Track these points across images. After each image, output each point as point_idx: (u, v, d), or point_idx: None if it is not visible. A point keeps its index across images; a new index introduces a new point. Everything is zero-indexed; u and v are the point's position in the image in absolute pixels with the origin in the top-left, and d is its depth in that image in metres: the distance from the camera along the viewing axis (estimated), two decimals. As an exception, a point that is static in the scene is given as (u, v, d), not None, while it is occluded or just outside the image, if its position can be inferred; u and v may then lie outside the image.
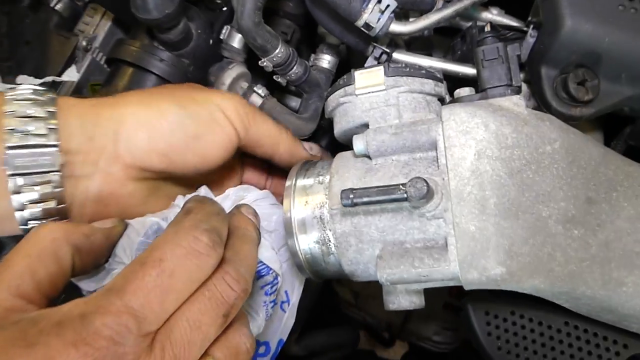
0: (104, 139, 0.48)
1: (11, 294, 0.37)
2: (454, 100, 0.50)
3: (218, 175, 0.61)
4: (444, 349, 0.76)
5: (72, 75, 0.58)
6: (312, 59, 0.67)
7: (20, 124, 0.43)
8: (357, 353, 0.88)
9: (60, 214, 0.46)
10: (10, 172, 0.43)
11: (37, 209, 0.44)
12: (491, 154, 0.44)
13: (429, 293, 0.61)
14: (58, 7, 0.69)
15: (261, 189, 0.65)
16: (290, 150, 0.59)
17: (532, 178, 0.44)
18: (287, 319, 0.58)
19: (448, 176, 0.45)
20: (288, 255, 0.57)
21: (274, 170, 0.65)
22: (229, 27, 0.62)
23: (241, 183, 0.64)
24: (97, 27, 0.70)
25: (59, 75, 0.63)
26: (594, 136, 0.57)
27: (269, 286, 0.54)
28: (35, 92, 0.45)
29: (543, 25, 0.49)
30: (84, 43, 0.68)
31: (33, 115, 0.44)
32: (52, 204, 0.45)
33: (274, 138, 0.57)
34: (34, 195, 0.44)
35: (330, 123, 0.61)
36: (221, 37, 0.64)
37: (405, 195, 0.43)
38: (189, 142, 0.51)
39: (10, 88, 0.46)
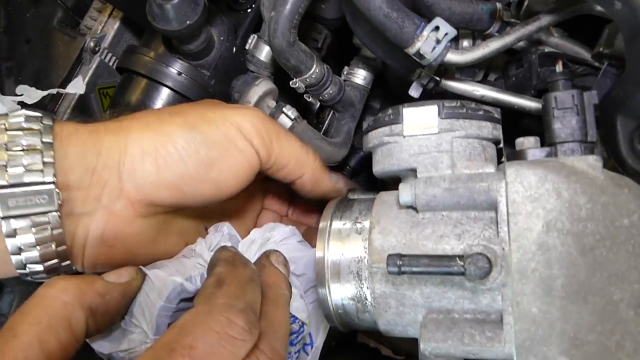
0: (107, 172, 0.42)
1: None
2: (515, 152, 0.44)
3: (236, 203, 0.55)
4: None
5: (78, 86, 0.51)
6: (345, 73, 0.60)
7: (14, 159, 0.38)
8: (361, 349, 0.85)
9: (59, 257, 0.40)
10: (3, 215, 0.37)
11: (33, 252, 0.39)
12: (562, 226, 0.39)
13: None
14: (61, -3, 0.62)
15: (283, 216, 0.60)
16: (314, 179, 0.52)
17: (605, 256, 0.39)
18: None
19: (510, 247, 0.39)
20: (314, 298, 0.52)
21: (296, 196, 0.59)
22: (255, 36, 0.55)
23: (262, 209, 0.59)
24: (105, 24, 0.62)
25: (65, 81, 0.56)
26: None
27: (295, 335, 0.50)
28: (28, 119, 0.39)
29: (627, 71, 0.42)
30: (92, 44, 0.60)
31: (27, 147, 0.38)
32: (50, 247, 0.39)
33: (300, 163, 0.50)
34: (30, 239, 0.38)
35: (360, 143, 0.55)
36: (246, 47, 0.56)
37: (462, 271, 0.38)
38: (202, 171, 0.44)
39: (1, 115, 0.40)
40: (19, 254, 0.39)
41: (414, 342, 0.68)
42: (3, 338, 0.34)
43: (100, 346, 0.40)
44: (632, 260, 0.39)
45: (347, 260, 0.46)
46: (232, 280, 0.38)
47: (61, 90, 0.53)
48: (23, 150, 0.38)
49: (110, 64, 0.63)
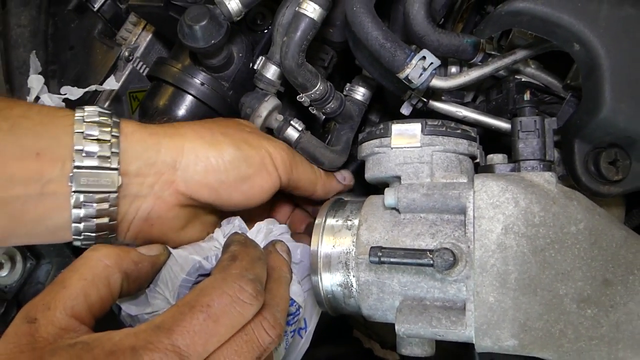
0: (163, 167, 0.50)
1: (67, 314, 0.40)
2: (486, 166, 0.51)
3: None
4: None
5: (112, 84, 0.60)
6: (346, 89, 0.68)
7: (88, 145, 0.46)
8: (354, 351, 0.91)
9: (109, 229, 0.49)
10: (75, 189, 0.46)
11: (91, 223, 0.47)
12: (518, 230, 0.46)
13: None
14: (101, 10, 0.70)
15: (288, 216, 0.68)
16: (325, 190, 0.63)
17: (554, 257, 0.46)
18: (302, 345, 0.61)
19: (474, 245, 0.46)
20: (309, 286, 0.59)
21: (299, 200, 0.68)
22: (263, 57, 0.63)
23: (269, 214, 0.67)
24: (138, 36, 0.71)
25: (101, 84, 0.65)
26: (616, 209, 0.58)
27: (291, 317, 0.56)
28: (101, 114, 0.48)
29: (582, 102, 0.50)
30: (126, 53, 0.69)
31: (99, 138, 0.46)
32: (105, 220, 0.48)
33: (311, 183, 0.62)
34: (92, 211, 0.47)
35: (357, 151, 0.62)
36: (255, 67, 0.64)
37: (431, 262, 0.45)
38: (239, 183, 0.54)
39: (79, 108, 0.48)
40: (79, 223, 0.47)
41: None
42: (55, 288, 0.42)
43: (128, 308, 0.48)
44: (577, 261, 0.46)
45: (337, 252, 0.54)
46: (244, 257, 0.45)
47: (99, 87, 0.61)
48: (96, 139, 0.46)
49: (141, 71, 0.71)
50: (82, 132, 0.47)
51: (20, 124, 0.45)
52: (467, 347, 0.62)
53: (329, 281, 0.54)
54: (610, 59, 0.47)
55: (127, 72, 0.69)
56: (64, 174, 0.46)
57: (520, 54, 0.56)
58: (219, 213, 0.59)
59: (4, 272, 0.56)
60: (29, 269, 0.56)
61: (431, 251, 0.46)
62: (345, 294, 0.54)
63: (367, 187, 0.63)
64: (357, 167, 0.71)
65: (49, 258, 0.58)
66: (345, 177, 0.66)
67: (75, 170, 0.46)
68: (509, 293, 0.45)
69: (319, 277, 0.55)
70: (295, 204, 0.71)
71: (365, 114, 0.71)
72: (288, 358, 0.61)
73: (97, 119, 0.48)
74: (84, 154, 0.46)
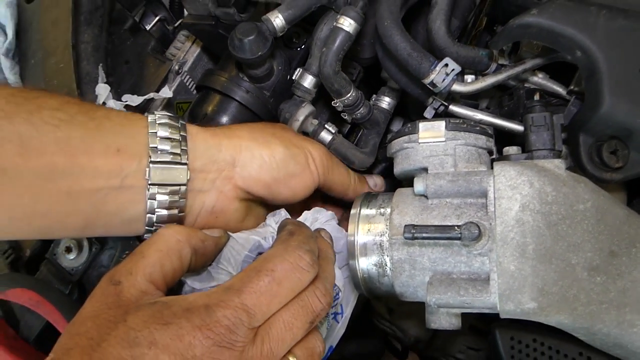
0: (223, 164, 0.57)
1: (146, 279, 0.46)
2: (502, 157, 0.59)
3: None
4: (464, 366, 0.84)
5: (166, 93, 0.68)
6: (373, 99, 0.76)
7: (161, 143, 0.53)
8: (379, 348, 0.96)
9: (179, 221, 0.56)
10: (150, 182, 0.52)
11: (163, 213, 0.54)
12: (533, 207, 0.53)
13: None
14: (153, 30, 0.79)
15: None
16: (356, 193, 0.69)
17: (565, 230, 0.52)
18: (339, 329, 0.67)
19: (495, 222, 0.53)
20: (347, 274, 0.65)
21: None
22: (300, 69, 0.71)
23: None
24: (187, 52, 0.79)
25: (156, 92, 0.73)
26: (619, 195, 0.65)
27: (333, 299, 0.62)
28: (170, 117, 0.55)
29: (585, 101, 0.57)
30: (176, 67, 0.77)
31: (170, 137, 0.53)
32: (175, 212, 0.54)
33: (345, 186, 0.69)
34: (164, 202, 0.53)
35: (384, 156, 0.69)
36: (293, 78, 0.72)
37: (459, 235, 0.52)
38: (287, 179, 0.61)
39: (150, 113, 0.55)
40: (153, 213, 0.54)
41: (421, 326, 0.82)
42: (135, 257, 0.48)
43: (193, 283, 0.54)
44: (585, 235, 0.53)
45: (372, 236, 0.60)
46: (300, 232, 0.52)
47: (156, 95, 0.69)
48: (168, 139, 0.53)
49: (188, 84, 0.79)
50: (155, 132, 0.54)
51: (104, 124, 0.53)
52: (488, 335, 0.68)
53: (365, 263, 0.61)
54: (607, 63, 0.55)
55: (175, 85, 0.77)
56: (140, 169, 0.53)
57: (529, 64, 0.64)
58: (268, 208, 0.66)
59: (72, 256, 0.62)
60: (94, 254, 0.62)
61: (459, 226, 0.52)
62: (380, 273, 0.60)
63: (393, 188, 0.70)
64: (384, 169, 0.78)
65: (113, 243, 0.64)
66: (377, 184, 0.73)
67: (150, 165, 0.53)
68: (528, 262, 0.52)
69: (356, 260, 0.61)
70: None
71: (387, 125, 0.78)
72: (327, 339, 0.67)
73: (166, 121, 0.55)
74: (158, 151, 0.53)
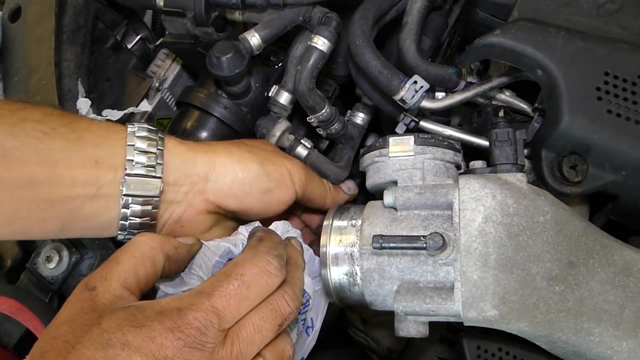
0: (197, 178, 0.59)
1: (120, 285, 0.48)
2: (469, 170, 0.61)
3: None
4: (437, 376, 0.86)
5: (145, 106, 0.71)
6: (348, 114, 0.78)
7: (137, 156, 0.55)
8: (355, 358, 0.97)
9: (149, 228, 0.57)
10: (125, 193, 0.55)
11: (135, 221, 0.56)
12: (495, 219, 0.55)
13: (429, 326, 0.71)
14: (134, 48, 0.82)
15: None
16: (334, 202, 0.72)
17: (526, 241, 0.55)
18: (309, 342, 0.68)
19: (459, 233, 0.55)
20: (318, 287, 0.67)
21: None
22: (276, 86, 0.73)
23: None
24: (167, 70, 0.82)
25: (136, 107, 0.75)
26: (581, 209, 0.68)
27: (302, 307, 0.64)
28: (149, 130, 0.57)
29: (546, 117, 0.60)
30: (157, 84, 0.79)
31: (147, 150, 0.55)
32: (146, 220, 0.56)
33: (322, 196, 0.71)
34: (137, 211, 0.55)
35: (359, 172, 0.72)
36: (270, 95, 0.74)
37: (424, 245, 0.54)
38: (261, 195, 0.63)
39: (130, 124, 0.57)
40: (126, 221, 0.56)
41: (394, 337, 0.84)
42: (110, 264, 0.50)
43: (166, 288, 0.56)
44: (545, 246, 0.55)
45: (343, 247, 0.62)
46: (269, 239, 0.54)
47: (135, 109, 0.71)
48: (144, 152, 0.56)
49: (168, 101, 0.81)
50: (133, 145, 0.56)
51: (84, 136, 0.55)
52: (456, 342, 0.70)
53: (337, 272, 0.63)
54: (565, 81, 0.57)
55: (156, 101, 0.79)
56: (116, 180, 0.55)
57: (495, 82, 0.67)
58: (238, 220, 0.68)
59: (52, 265, 0.63)
60: (74, 263, 0.64)
61: (424, 236, 0.54)
62: (351, 282, 0.62)
63: (366, 200, 0.72)
64: (358, 184, 0.80)
65: (92, 252, 0.65)
66: (350, 187, 0.76)
67: (126, 177, 0.55)
68: (490, 271, 0.54)
69: (327, 269, 0.63)
70: (304, 224, 0.79)
71: (362, 140, 0.81)
72: (297, 352, 0.68)
73: (145, 134, 0.57)
74: (134, 164, 0.55)
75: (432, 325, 0.62)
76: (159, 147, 0.57)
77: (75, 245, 0.65)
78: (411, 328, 0.61)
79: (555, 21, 0.62)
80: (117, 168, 0.55)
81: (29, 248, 0.68)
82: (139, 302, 0.48)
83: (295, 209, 0.75)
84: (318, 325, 0.70)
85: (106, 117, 0.69)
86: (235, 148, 0.64)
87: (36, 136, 0.51)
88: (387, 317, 0.72)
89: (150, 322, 0.45)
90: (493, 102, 0.71)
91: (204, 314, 0.46)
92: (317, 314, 0.69)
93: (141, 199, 0.55)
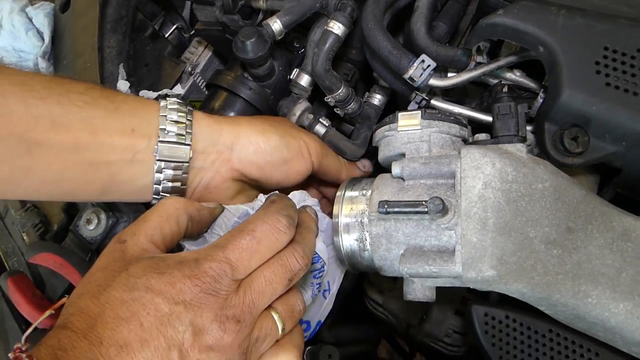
0: (223, 147, 0.66)
1: (147, 239, 0.54)
2: (472, 142, 0.65)
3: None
4: (454, 351, 0.88)
5: (178, 90, 0.77)
6: (366, 96, 0.83)
7: (169, 126, 0.61)
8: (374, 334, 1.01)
9: (180, 192, 0.64)
10: (158, 158, 0.61)
11: (167, 185, 0.62)
12: (495, 185, 0.58)
13: (443, 300, 0.74)
14: (170, 37, 0.89)
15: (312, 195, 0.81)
16: (348, 176, 0.76)
17: (524, 207, 0.58)
18: (326, 305, 0.73)
19: (461, 199, 0.59)
20: (333, 253, 0.72)
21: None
22: (297, 69, 0.79)
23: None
24: (199, 56, 0.89)
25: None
26: (589, 180, 0.70)
27: (317, 272, 0.68)
28: (179, 104, 0.63)
29: (548, 92, 0.63)
30: (189, 69, 0.86)
31: (178, 120, 0.62)
32: (177, 184, 0.63)
33: (337, 170, 0.76)
34: (169, 176, 0.62)
35: (376, 150, 0.76)
36: (290, 77, 0.79)
37: (426, 210, 0.58)
38: (280, 164, 0.69)
39: (162, 98, 0.63)
40: (159, 184, 0.62)
41: (410, 310, 0.87)
42: (139, 222, 0.56)
43: (189, 245, 0.62)
44: (543, 212, 0.58)
45: (354, 214, 0.67)
46: (280, 202, 0.59)
47: (169, 91, 0.78)
48: (176, 122, 0.62)
49: (200, 84, 0.88)
50: (165, 116, 0.62)
51: (122, 107, 0.61)
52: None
53: (348, 239, 0.67)
54: (565, 56, 0.60)
55: (189, 84, 0.86)
56: (150, 147, 0.62)
57: (503, 61, 0.70)
58: (260, 189, 0.73)
59: (92, 227, 0.70)
60: (111, 225, 0.71)
61: (425, 201, 0.58)
62: (361, 247, 0.66)
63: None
64: (375, 163, 0.85)
65: (127, 216, 0.72)
66: (365, 165, 0.80)
67: (159, 143, 0.62)
68: (488, 234, 0.57)
69: (339, 237, 0.67)
70: (323, 195, 0.84)
71: (378, 120, 0.85)
72: (314, 314, 0.73)
73: (176, 106, 0.64)
74: (166, 132, 0.62)
75: (447, 298, 0.66)
76: (188, 119, 0.63)
77: (112, 209, 0.72)
78: (418, 292, 0.65)
79: (564, 2, 0.64)
80: (151, 136, 0.61)
81: (72, 214, 0.75)
82: (162, 254, 0.54)
83: (315, 182, 0.80)
84: (334, 289, 0.74)
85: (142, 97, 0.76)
86: (258, 122, 0.70)
87: (80, 105, 0.58)
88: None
89: (170, 269, 0.50)
90: (503, 82, 0.74)
91: (218, 264, 0.51)
92: (333, 278, 0.73)
93: (172, 164, 0.62)
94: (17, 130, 0.55)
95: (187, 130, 0.63)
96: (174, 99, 0.64)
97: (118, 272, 0.51)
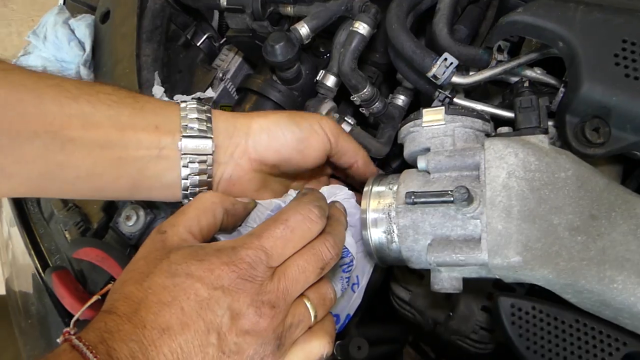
0: (239, 139, 0.69)
1: (185, 230, 0.57)
2: (496, 135, 0.67)
3: (310, 177, 0.80)
4: (481, 348, 0.89)
5: (210, 93, 0.82)
6: (390, 97, 0.86)
7: (190, 122, 0.65)
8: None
9: (207, 186, 0.67)
10: (183, 152, 0.65)
11: (194, 179, 0.65)
12: (518, 174, 0.60)
13: (470, 297, 0.76)
14: (202, 45, 0.94)
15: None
16: (365, 163, 0.78)
17: (548, 195, 0.59)
18: (355, 298, 0.75)
19: (485, 188, 0.61)
20: (362, 248, 0.74)
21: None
22: (323, 71, 0.82)
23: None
24: (230, 63, 0.93)
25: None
26: (612, 171, 0.71)
27: (346, 266, 0.70)
28: (198, 103, 0.67)
29: (568, 85, 0.65)
30: (220, 75, 0.91)
31: (198, 117, 0.65)
32: (204, 177, 0.66)
33: (355, 152, 0.77)
34: (195, 169, 0.65)
35: (400, 149, 0.79)
36: (317, 79, 0.83)
37: (451, 199, 0.60)
38: (296, 144, 0.71)
39: (183, 101, 0.67)
40: (186, 179, 0.66)
41: (437, 308, 0.89)
42: (177, 214, 0.59)
43: (225, 238, 0.64)
44: (567, 199, 0.59)
45: (381, 208, 0.69)
46: (312, 194, 0.61)
47: (201, 95, 0.82)
48: (196, 119, 0.66)
49: (230, 90, 0.92)
50: (186, 115, 0.66)
51: (146, 106, 0.66)
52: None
53: (376, 233, 0.69)
54: (584, 50, 0.62)
55: (220, 89, 0.91)
56: (174, 142, 0.65)
57: (523, 59, 0.72)
58: (286, 183, 0.76)
59: (131, 223, 0.74)
60: (149, 221, 0.74)
61: (451, 190, 0.60)
62: (389, 239, 0.68)
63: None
64: (400, 164, 0.87)
65: (164, 212, 0.76)
66: (379, 170, 0.82)
67: (182, 138, 0.65)
68: (513, 222, 0.59)
69: (368, 231, 0.70)
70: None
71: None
72: (343, 307, 0.75)
73: (195, 106, 0.68)
74: (188, 128, 0.66)
75: (473, 294, 0.67)
76: (207, 114, 0.67)
77: (150, 206, 0.76)
78: (445, 282, 0.66)
79: (584, -1, 0.66)
80: (174, 132, 0.65)
81: (111, 213, 0.79)
82: (200, 244, 0.57)
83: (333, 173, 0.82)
84: (364, 283, 0.76)
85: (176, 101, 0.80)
86: (271, 112, 0.73)
87: (108, 104, 0.62)
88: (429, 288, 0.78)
89: (209, 257, 0.53)
90: (524, 80, 0.76)
91: (254, 251, 0.54)
92: (362, 272, 0.75)
93: (197, 157, 0.65)
94: (52, 128, 0.59)
95: (208, 125, 0.66)
96: (193, 101, 0.68)
97: (160, 259, 0.54)
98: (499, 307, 0.71)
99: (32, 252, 0.83)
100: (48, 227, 0.83)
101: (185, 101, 0.68)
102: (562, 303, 0.63)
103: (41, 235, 0.85)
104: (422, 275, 0.89)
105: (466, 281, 0.67)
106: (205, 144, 0.66)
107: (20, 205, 0.90)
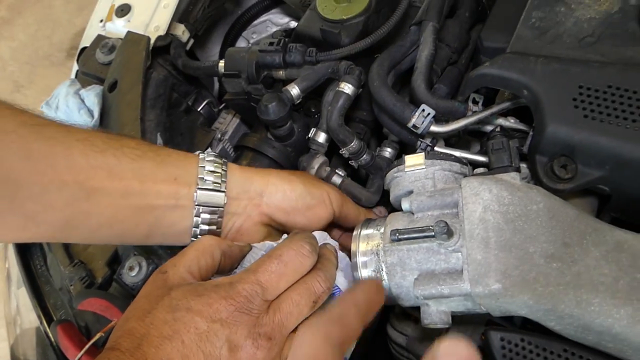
0: (254, 194, 0.75)
1: (185, 270, 0.61)
2: (472, 175, 0.72)
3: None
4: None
5: (211, 154, 0.89)
6: (378, 150, 0.92)
7: (207, 175, 0.71)
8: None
9: (215, 235, 0.71)
10: (196, 203, 0.70)
11: (204, 228, 0.70)
12: (493, 208, 0.65)
13: (465, 338, 0.79)
14: (202, 110, 1.02)
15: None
16: None
17: (522, 225, 0.64)
18: None
19: (464, 223, 0.66)
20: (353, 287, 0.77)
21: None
22: (314, 128, 0.89)
23: None
24: (228, 124, 1.00)
25: (202, 155, 0.92)
26: (587, 200, 0.76)
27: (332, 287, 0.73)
28: (215, 156, 0.73)
29: (535, 129, 0.71)
30: (219, 135, 0.98)
31: (214, 170, 0.71)
32: (214, 227, 0.71)
33: (355, 217, 0.84)
34: (206, 220, 0.70)
35: (387, 195, 0.84)
36: (309, 136, 0.90)
37: (432, 233, 0.64)
38: (305, 210, 0.77)
39: (200, 152, 0.73)
40: (197, 227, 0.70)
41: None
42: (178, 256, 0.63)
43: (221, 281, 0.68)
44: (540, 229, 0.64)
45: (370, 249, 0.73)
46: (303, 233, 0.66)
47: (202, 154, 0.88)
48: (212, 172, 0.72)
49: (228, 150, 0.99)
50: (204, 167, 0.72)
51: (167, 159, 0.72)
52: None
53: (366, 272, 0.73)
54: (546, 96, 0.69)
55: (218, 149, 0.97)
56: (190, 193, 0.71)
57: (495, 108, 0.79)
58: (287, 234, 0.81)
59: (133, 273, 0.78)
60: (151, 270, 0.78)
61: (432, 226, 0.65)
62: (378, 277, 0.72)
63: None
64: (390, 210, 0.92)
65: (165, 261, 0.79)
66: (380, 211, 0.87)
67: (198, 190, 0.71)
68: (491, 252, 0.63)
69: (359, 272, 0.73)
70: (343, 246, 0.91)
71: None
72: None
73: (212, 159, 0.74)
74: (204, 181, 0.71)
75: (467, 337, 0.70)
76: (223, 169, 0.73)
77: (152, 255, 0.80)
78: (434, 316, 0.69)
79: (541, 53, 0.74)
80: (191, 184, 0.71)
81: (114, 268, 0.83)
82: (198, 282, 0.61)
83: (334, 230, 0.87)
84: None
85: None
86: (285, 173, 0.79)
87: (132, 157, 0.68)
88: (427, 331, 0.80)
89: (208, 292, 0.57)
90: (498, 128, 0.82)
91: (250, 285, 0.57)
92: None
93: (209, 209, 0.70)
94: (79, 179, 0.65)
95: (222, 179, 0.72)
96: (212, 153, 0.74)
97: (161, 297, 0.57)
98: (489, 341, 0.73)
99: (38, 307, 0.87)
100: (53, 283, 0.87)
101: (204, 153, 0.74)
102: (549, 334, 0.65)
103: (47, 292, 0.89)
104: (417, 320, 0.91)
105: (460, 323, 0.70)
106: (218, 197, 0.71)
107: (26, 262, 0.94)
